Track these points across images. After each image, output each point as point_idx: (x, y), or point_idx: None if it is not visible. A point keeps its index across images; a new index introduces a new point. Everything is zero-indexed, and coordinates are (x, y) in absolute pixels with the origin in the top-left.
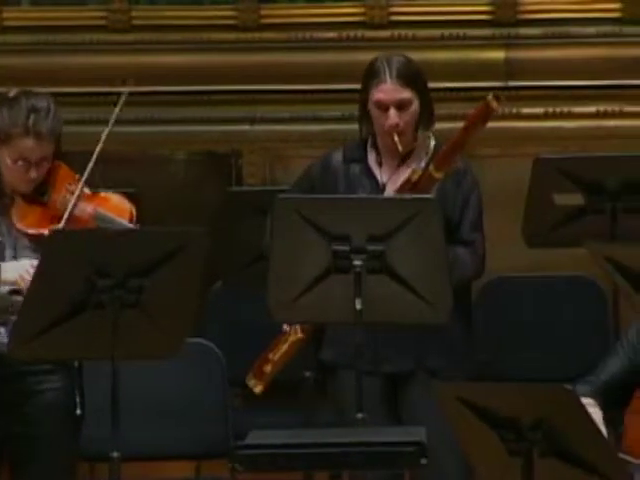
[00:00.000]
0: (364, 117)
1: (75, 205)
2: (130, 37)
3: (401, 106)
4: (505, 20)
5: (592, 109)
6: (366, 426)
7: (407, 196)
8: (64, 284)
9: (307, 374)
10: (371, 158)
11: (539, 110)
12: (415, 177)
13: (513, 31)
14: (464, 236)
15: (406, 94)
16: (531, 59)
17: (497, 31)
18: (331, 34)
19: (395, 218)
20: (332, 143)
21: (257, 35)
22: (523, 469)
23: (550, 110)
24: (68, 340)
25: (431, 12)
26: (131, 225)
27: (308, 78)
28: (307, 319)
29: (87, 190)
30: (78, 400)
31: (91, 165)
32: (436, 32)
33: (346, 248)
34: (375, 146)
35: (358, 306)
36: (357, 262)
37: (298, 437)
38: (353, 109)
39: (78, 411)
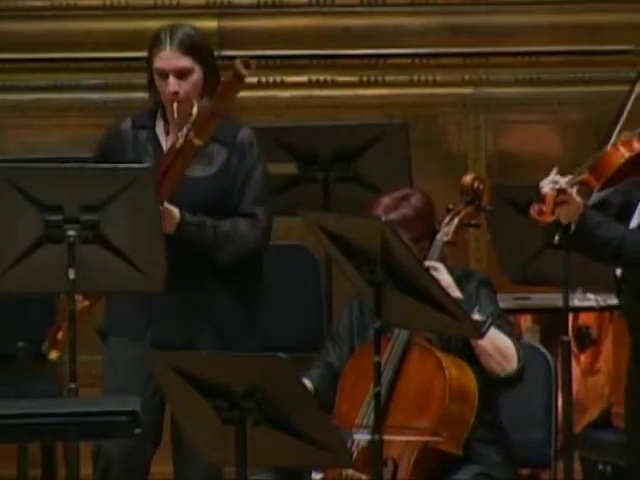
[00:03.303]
0: (152, 85)
1: None
2: None
3: (181, 74)
4: None
5: (304, 78)
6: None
7: (121, 165)
8: None
9: (21, 344)
10: (159, 126)
11: (253, 79)
12: (179, 144)
13: (226, 0)
14: (245, 209)
15: (185, 62)
16: (244, 28)
17: (210, 0)
18: (43, 3)
19: (109, 188)
20: (44, 112)
21: None
22: (236, 437)
23: (263, 79)
24: None
25: None
26: None
27: (20, 47)
28: (20, 289)
29: None
30: None
31: None
32: (149, 1)
33: (59, 218)
34: (164, 114)
35: (71, 276)
36: (70, 232)
37: (9, 408)
38: (65, 78)
39: None
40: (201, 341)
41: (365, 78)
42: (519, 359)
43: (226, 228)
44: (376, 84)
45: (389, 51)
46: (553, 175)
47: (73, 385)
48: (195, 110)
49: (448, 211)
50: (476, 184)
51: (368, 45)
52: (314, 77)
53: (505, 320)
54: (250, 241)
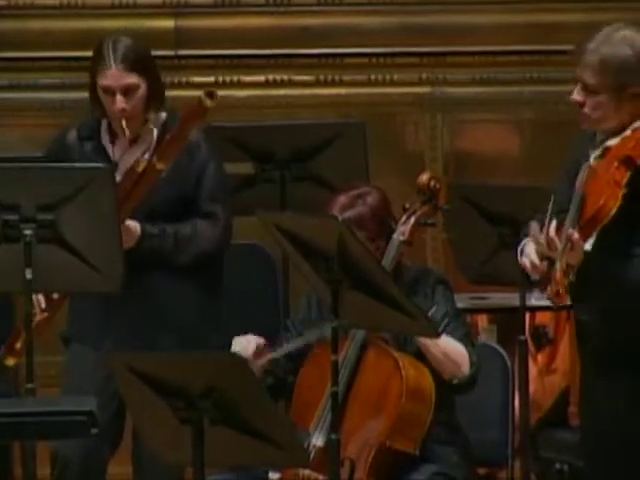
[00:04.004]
0: (95, 98)
1: None
2: None
3: (127, 91)
4: None
5: (261, 78)
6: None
7: (78, 165)
8: None
9: None
10: (105, 136)
11: (210, 79)
12: (140, 168)
13: None
14: (203, 208)
15: (131, 79)
16: (200, 28)
17: None
18: (0, 2)
19: (66, 187)
20: (1, 112)
21: None
22: (193, 437)
23: (220, 79)
24: None
25: None
26: None
27: None
28: None
29: None
30: None
31: None
32: (106, 1)
33: (15, 217)
34: (109, 124)
35: (28, 276)
36: (27, 232)
37: None
38: (22, 78)
39: None
40: (162, 343)
41: (322, 77)
42: (472, 364)
43: (186, 231)
44: (333, 83)
45: (346, 50)
46: (557, 245)
47: (30, 385)
48: (155, 133)
49: (405, 210)
50: (432, 183)
51: (325, 44)
52: (271, 77)
53: (461, 320)
54: (211, 241)
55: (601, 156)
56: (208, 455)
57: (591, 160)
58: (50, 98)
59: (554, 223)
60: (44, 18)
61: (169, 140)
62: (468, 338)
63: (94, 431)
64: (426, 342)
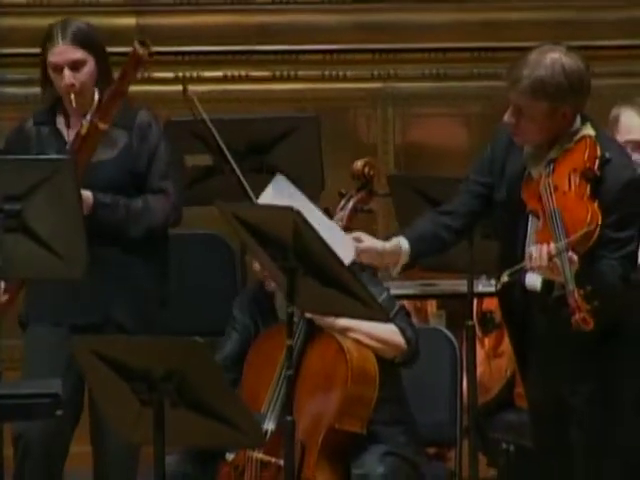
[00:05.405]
0: (46, 82)
1: None
2: None
3: (75, 66)
4: None
5: (220, 74)
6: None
7: (42, 157)
8: None
9: None
10: (60, 120)
11: (170, 75)
12: (84, 131)
13: None
14: (154, 185)
15: (79, 54)
16: (162, 25)
17: None
18: None
19: (31, 178)
20: None
21: None
22: (154, 419)
23: (180, 74)
24: None
25: None
26: None
27: None
28: None
29: None
30: None
31: None
32: None
33: None
34: (64, 109)
35: None
36: None
37: None
38: None
39: None
40: (120, 317)
41: (278, 73)
42: (408, 341)
43: (138, 205)
44: (289, 79)
45: (301, 47)
46: (559, 267)
47: None
48: (96, 97)
49: (341, 196)
50: (367, 170)
51: (281, 42)
52: (229, 72)
53: (393, 299)
54: (162, 215)
55: (552, 170)
56: (168, 435)
57: (543, 177)
58: (15, 93)
59: (545, 247)
60: (10, 15)
61: (108, 98)
62: (401, 313)
63: (59, 412)
64: (360, 336)
